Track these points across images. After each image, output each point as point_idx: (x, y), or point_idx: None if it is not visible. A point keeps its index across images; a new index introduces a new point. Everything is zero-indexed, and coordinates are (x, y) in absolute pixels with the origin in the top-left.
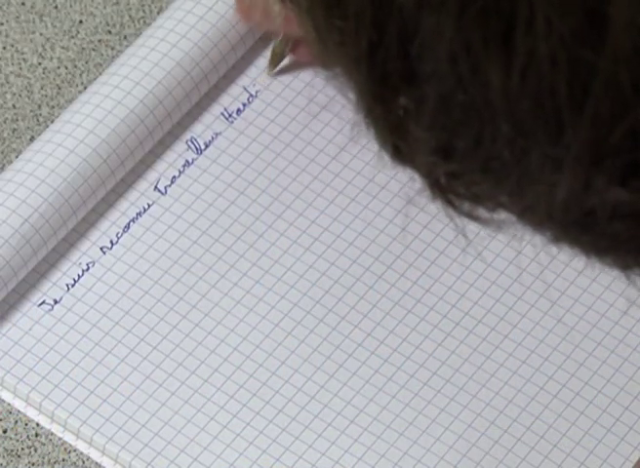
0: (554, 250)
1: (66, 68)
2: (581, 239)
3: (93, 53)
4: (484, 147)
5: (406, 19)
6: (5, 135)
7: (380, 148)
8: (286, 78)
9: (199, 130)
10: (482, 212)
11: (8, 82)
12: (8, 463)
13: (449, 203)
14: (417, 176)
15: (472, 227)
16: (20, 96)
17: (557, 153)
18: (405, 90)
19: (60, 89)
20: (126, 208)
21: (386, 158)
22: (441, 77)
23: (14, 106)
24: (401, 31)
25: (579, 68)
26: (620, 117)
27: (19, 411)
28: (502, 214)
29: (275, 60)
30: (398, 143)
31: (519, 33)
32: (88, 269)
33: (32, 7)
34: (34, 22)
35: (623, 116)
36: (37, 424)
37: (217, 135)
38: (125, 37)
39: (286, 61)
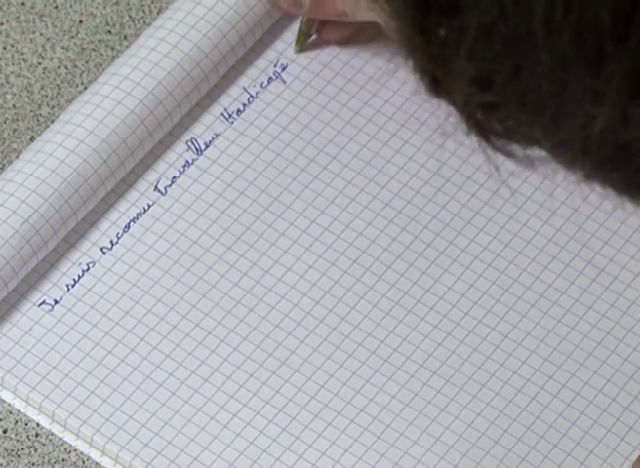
0: (554, 250)
1: (66, 68)
2: (614, 175)
3: (93, 53)
4: (523, 79)
5: None
6: (5, 135)
7: (417, 78)
8: (286, 78)
9: (199, 130)
10: (516, 148)
11: (8, 82)
12: (8, 463)
13: (484, 137)
14: (452, 110)
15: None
16: (20, 96)
17: (597, 85)
18: (447, 20)
19: (60, 89)
20: (126, 208)
21: (423, 89)
22: (484, 7)
23: (14, 106)
24: None
25: None
26: None
27: (19, 412)
28: (536, 152)
29: (302, 39)
30: (437, 73)
31: None
32: (88, 269)
33: (32, 7)
34: (34, 22)
35: None
36: (37, 424)
37: (217, 135)
38: (125, 37)
39: (311, 39)
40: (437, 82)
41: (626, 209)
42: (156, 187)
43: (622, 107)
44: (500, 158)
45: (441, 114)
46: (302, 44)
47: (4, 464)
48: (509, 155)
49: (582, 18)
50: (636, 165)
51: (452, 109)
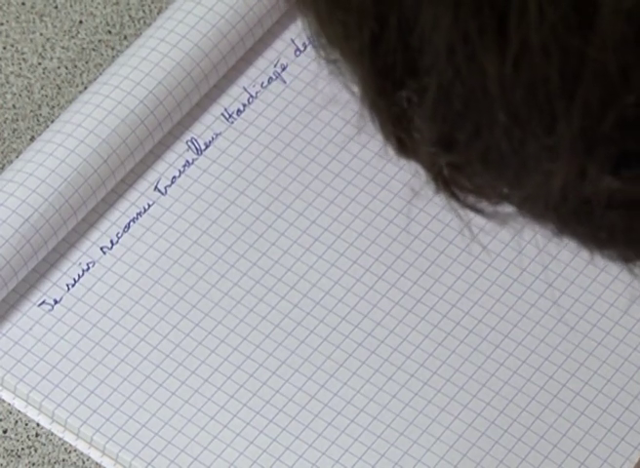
0: (554, 249)
1: (66, 68)
2: (581, 231)
3: (93, 53)
4: (483, 138)
5: (406, 11)
6: (5, 135)
7: (384, 141)
8: (286, 78)
9: (199, 130)
10: (485, 205)
11: (8, 82)
12: (8, 463)
13: (452, 195)
14: (420, 170)
15: (476, 221)
16: (20, 96)
17: (552, 142)
18: (406, 82)
19: (60, 89)
20: (126, 208)
21: (390, 152)
22: (440, 68)
23: (14, 106)
24: (401, 24)
25: (569, 57)
26: (610, 105)
27: (19, 411)
28: (506, 208)
29: None
30: (401, 136)
31: (512, 22)
32: (88, 269)
33: (32, 7)
34: (34, 22)
35: (612, 104)
36: (37, 424)
37: (217, 135)
38: (125, 37)
39: None
40: (403, 143)
41: (596, 264)
42: (156, 187)
43: (577, 164)
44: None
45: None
46: None
47: (4, 464)
48: (479, 212)
49: (532, 76)
50: (599, 220)
51: (420, 169)
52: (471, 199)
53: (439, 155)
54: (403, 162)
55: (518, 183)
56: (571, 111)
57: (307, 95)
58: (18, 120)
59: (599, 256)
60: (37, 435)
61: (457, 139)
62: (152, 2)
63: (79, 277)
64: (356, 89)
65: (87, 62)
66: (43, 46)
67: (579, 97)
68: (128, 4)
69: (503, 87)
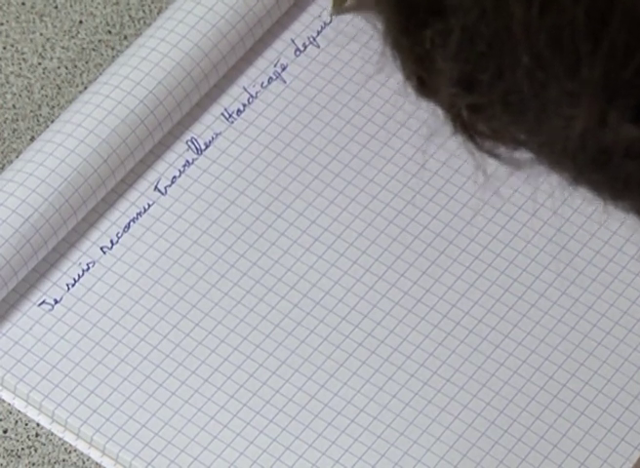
0: (554, 249)
1: (66, 68)
2: (597, 179)
3: (93, 53)
4: (504, 79)
5: None
6: (5, 135)
7: (404, 81)
8: (286, 78)
9: (199, 130)
10: (502, 150)
11: (8, 82)
12: (8, 463)
13: (469, 138)
14: (438, 112)
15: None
16: (20, 96)
17: (574, 87)
18: (431, 22)
19: (60, 89)
20: (126, 208)
21: (410, 91)
22: (466, 9)
23: (14, 106)
24: None
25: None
26: (635, 50)
27: (19, 411)
28: (523, 154)
29: (338, 1)
30: (423, 75)
31: None
32: (88, 269)
33: (32, 7)
34: (34, 22)
35: (638, 49)
36: (37, 424)
37: (217, 135)
38: (125, 37)
39: (348, 3)
40: (423, 83)
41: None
42: (156, 187)
43: (599, 110)
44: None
45: (430, 113)
46: (339, 6)
47: (4, 464)
48: (495, 157)
49: (559, 19)
50: (616, 169)
51: (439, 110)
52: (488, 144)
53: (460, 96)
54: (403, 162)
55: (537, 127)
56: (595, 55)
57: (307, 95)
58: (18, 120)
59: (612, 208)
60: (37, 435)
61: (478, 80)
62: (152, 2)
63: (79, 277)
64: (380, 26)
65: (87, 62)
66: (43, 46)
67: (604, 39)
68: (128, 4)
69: (529, 29)
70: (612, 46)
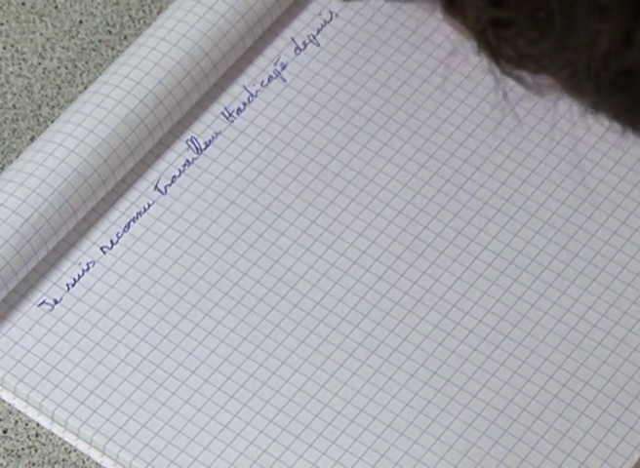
0: (554, 249)
1: (66, 68)
2: (618, 102)
3: (93, 53)
4: None
5: None
6: (5, 135)
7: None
8: (286, 76)
9: (199, 129)
10: (524, 74)
11: (8, 82)
12: (8, 463)
13: (494, 58)
14: (464, 29)
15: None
16: (20, 96)
17: (604, 2)
18: None
19: (60, 89)
20: (126, 207)
21: (439, 8)
22: None
23: (14, 106)
24: None
25: None
26: None
27: (19, 412)
28: (544, 79)
29: None
30: None
31: None
32: (88, 269)
33: (32, 7)
34: (34, 22)
35: None
36: (37, 424)
37: (217, 134)
38: (125, 37)
39: None
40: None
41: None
42: (156, 187)
43: (627, 26)
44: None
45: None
46: None
47: (4, 464)
48: (518, 79)
49: None
50: (637, 91)
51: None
52: (510, 67)
53: (487, 10)
54: (403, 162)
55: (562, 45)
56: None
57: (308, 93)
58: (18, 120)
59: (631, 133)
60: (37, 435)
61: None
62: (152, 2)
63: (79, 277)
64: None
65: (87, 62)
66: (43, 46)
67: None
68: (128, 4)
69: None
70: None
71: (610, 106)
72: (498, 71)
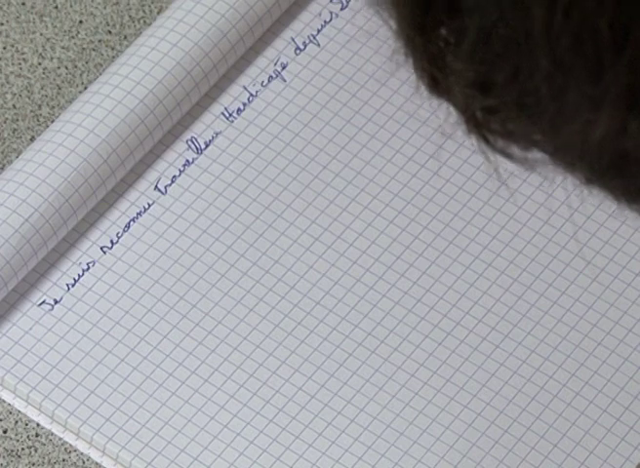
0: (554, 249)
1: (66, 68)
2: (612, 182)
3: (93, 53)
4: (521, 82)
5: None
6: (5, 135)
7: (417, 79)
8: (286, 76)
9: (199, 129)
10: (515, 150)
11: (8, 82)
12: (8, 463)
13: (483, 138)
14: (452, 110)
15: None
16: (20, 96)
17: (595, 93)
18: (446, 21)
19: (60, 89)
20: (126, 207)
21: (423, 90)
22: (484, 9)
23: (14, 106)
24: None
25: (622, 10)
26: None
27: (19, 411)
28: (536, 154)
29: None
30: (436, 74)
31: None
32: (88, 269)
33: (32, 7)
34: (34, 22)
35: None
36: (37, 424)
37: (217, 134)
38: (125, 37)
39: None
40: (437, 82)
41: (624, 214)
42: (156, 186)
43: (620, 118)
44: (500, 159)
45: (441, 114)
46: None
47: (4, 464)
48: (509, 157)
49: (582, 26)
50: (634, 173)
51: (451, 109)
52: (501, 143)
53: (474, 97)
54: (403, 162)
55: (553, 131)
56: (618, 65)
57: (308, 93)
58: (18, 120)
59: (626, 209)
60: (37, 435)
61: (493, 82)
62: (152, 2)
63: (79, 277)
64: (393, 23)
65: (87, 62)
66: (43, 46)
67: (627, 51)
68: (128, 4)
69: (550, 33)
70: (635, 56)
71: (603, 185)
72: (487, 149)
